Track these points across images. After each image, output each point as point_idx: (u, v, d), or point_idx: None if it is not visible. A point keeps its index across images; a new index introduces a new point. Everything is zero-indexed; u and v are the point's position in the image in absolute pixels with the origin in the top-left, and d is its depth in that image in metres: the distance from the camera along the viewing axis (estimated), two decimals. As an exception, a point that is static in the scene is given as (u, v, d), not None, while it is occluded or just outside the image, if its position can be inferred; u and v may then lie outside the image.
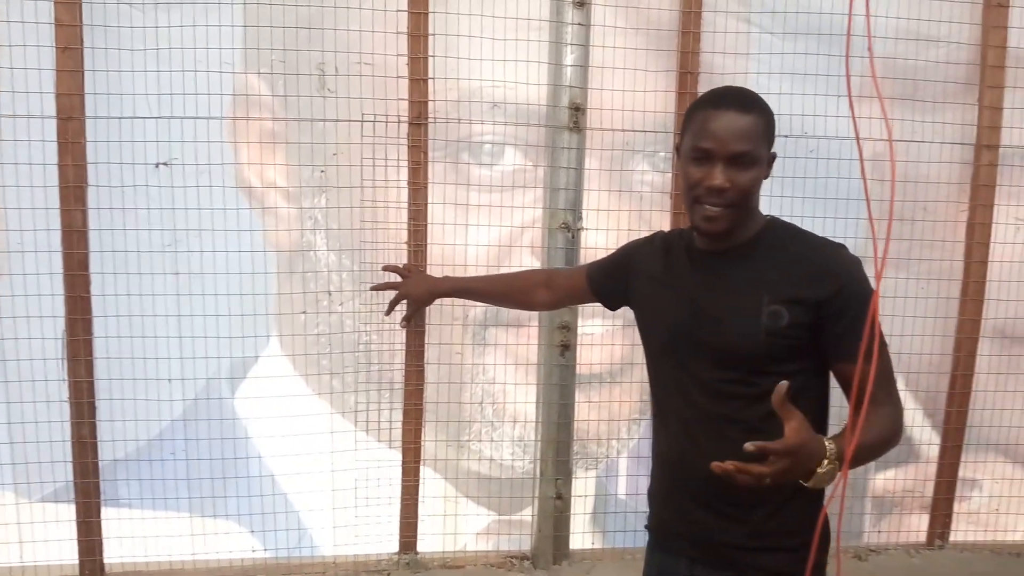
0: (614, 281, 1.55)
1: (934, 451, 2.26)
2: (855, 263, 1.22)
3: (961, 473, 2.26)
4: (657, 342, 1.40)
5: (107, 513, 1.93)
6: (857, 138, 0.97)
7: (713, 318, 1.28)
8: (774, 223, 1.33)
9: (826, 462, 1.13)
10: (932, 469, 2.27)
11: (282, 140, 1.92)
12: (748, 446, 1.08)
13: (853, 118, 0.98)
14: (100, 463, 1.91)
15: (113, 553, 1.95)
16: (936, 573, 2.21)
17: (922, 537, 2.28)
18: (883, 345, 1.20)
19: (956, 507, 2.26)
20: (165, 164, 1.87)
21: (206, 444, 1.95)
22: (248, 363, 1.97)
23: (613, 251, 1.60)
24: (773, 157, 1.31)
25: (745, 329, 1.24)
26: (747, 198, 1.26)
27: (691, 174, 1.26)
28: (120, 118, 1.82)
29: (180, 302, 1.90)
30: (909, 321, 2.18)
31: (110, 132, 1.83)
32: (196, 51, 1.83)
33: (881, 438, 1.22)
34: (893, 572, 2.15)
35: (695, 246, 1.38)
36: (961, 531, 2.29)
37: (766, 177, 1.31)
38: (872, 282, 1.21)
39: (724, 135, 1.22)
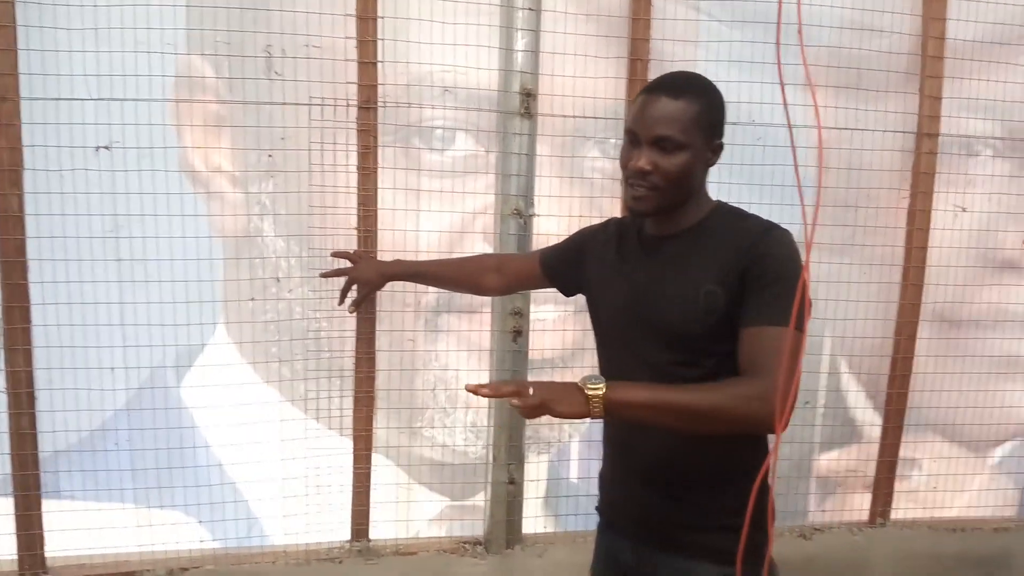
0: (568, 266, 1.56)
1: (876, 432, 2.32)
2: (782, 240, 1.24)
3: (901, 453, 2.33)
4: (606, 326, 1.42)
5: (48, 506, 1.88)
6: (789, 125, 0.99)
7: (658, 301, 1.30)
8: (721, 208, 1.36)
9: (589, 389, 1.14)
10: (874, 449, 2.33)
11: (228, 123, 1.87)
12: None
13: (785, 104, 1.00)
14: (40, 455, 1.85)
15: (55, 546, 1.90)
16: (877, 550, 2.29)
17: (864, 516, 2.34)
18: (800, 323, 1.18)
19: (897, 486, 2.33)
20: (106, 147, 1.82)
21: (151, 434, 1.91)
22: (194, 351, 1.93)
23: (567, 237, 1.62)
24: (718, 146, 1.32)
25: (686, 311, 1.26)
26: (673, 182, 1.27)
27: (622, 156, 1.31)
28: (57, 99, 1.76)
29: (123, 289, 1.86)
30: (852, 306, 2.24)
31: (47, 114, 1.77)
32: (137, 31, 1.78)
33: (696, 403, 1.17)
34: (836, 550, 2.22)
35: (646, 232, 1.40)
36: (901, 509, 2.36)
37: (711, 164, 1.33)
38: (803, 260, 1.22)
39: (648, 120, 1.26)
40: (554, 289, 1.62)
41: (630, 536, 1.40)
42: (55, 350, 1.84)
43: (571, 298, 1.62)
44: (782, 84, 1.00)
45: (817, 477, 2.33)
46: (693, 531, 1.31)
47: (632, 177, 1.27)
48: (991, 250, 2.34)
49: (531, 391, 1.15)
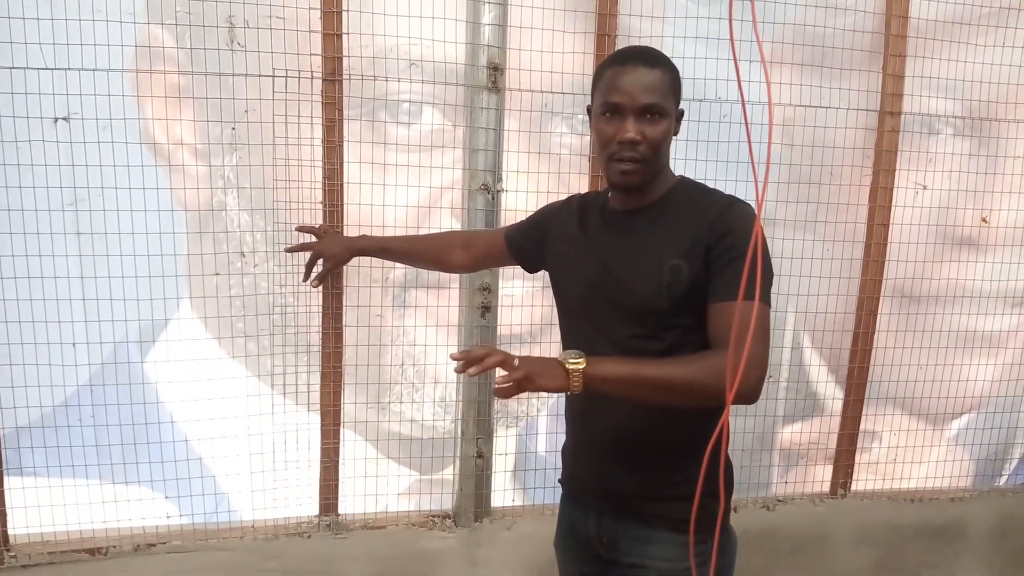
0: (532, 243, 1.57)
1: (837, 405, 2.37)
2: (744, 213, 1.26)
3: (862, 426, 2.38)
4: (570, 302, 1.44)
5: (11, 483, 1.86)
6: (743, 101, 1.00)
7: (622, 276, 1.32)
8: (683, 182, 1.37)
9: (570, 363, 1.18)
10: (835, 422, 2.38)
11: (189, 95, 1.84)
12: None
13: (739, 82, 1.01)
14: (2, 431, 1.83)
15: (19, 524, 1.88)
16: (838, 521, 2.34)
17: (826, 487, 2.40)
18: (766, 297, 1.23)
19: (857, 458, 2.39)
20: (64, 119, 1.78)
21: (115, 409, 1.89)
22: (158, 326, 1.91)
23: (532, 213, 1.62)
24: (681, 113, 1.35)
25: (650, 285, 1.27)
26: (658, 152, 1.29)
27: (604, 131, 1.30)
28: (12, 68, 1.72)
29: (83, 263, 1.83)
30: (815, 281, 2.27)
31: (2, 83, 1.72)
32: (98, -1, 1.74)
33: (671, 377, 1.20)
34: (799, 520, 2.27)
35: (609, 207, 1.41)
36: (862, 480, 2.41)
37: (676, 134, 1.34)
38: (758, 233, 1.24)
39: (633, 89, 1.26)
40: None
41: (592, 507, 1.42)
42: (14, 325, 1.81)
43: (538, 274, 1.63)
44: (735, 59, 1.01)
45: (780, 450, 2.38)
46: (653, 501, 1.34)
47: (621, 150, 1.27)
48: (950, 227, 2.38)
49: (516, 363, 1.18)
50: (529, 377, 1.18)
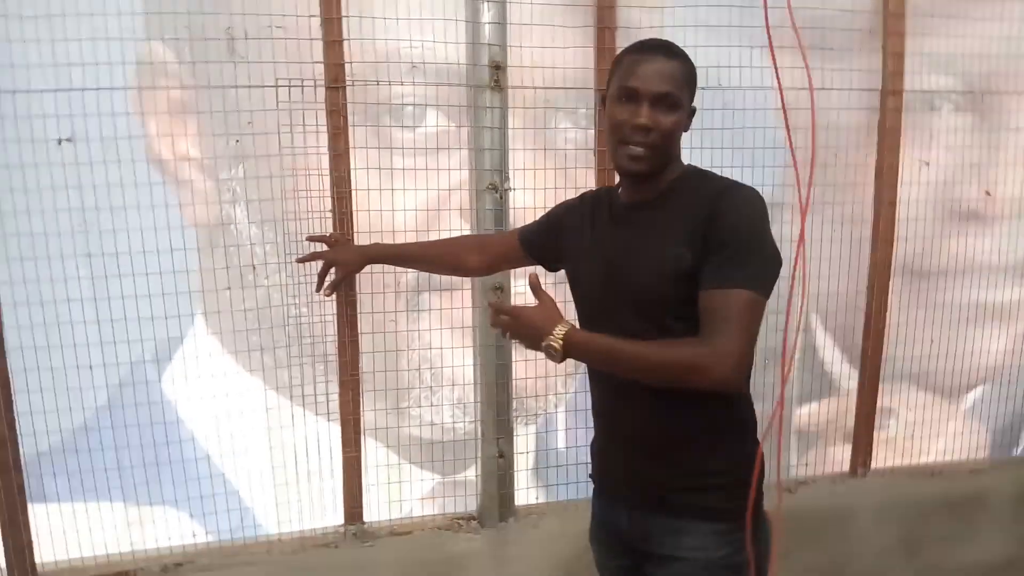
0: (547, 241, 1.58)
1: (851, 385, 2.37)
2: (739, 198, 1.25)
3: (878, 404, 2.38)
4: (585, 298, 1.44)
5: (35, 510, 1.84)
6: (780, 88, 0.99)
7: (626, 268, 1.33)
8: (690, 171, 1.37)
9: (550, 338, 1.24)
10: (851, 402, 2.38)
11: (193, 110, 1.83)
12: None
13: (775, 67, 1.00)
14: (22, 459, 1.82)
15: (45, 551, 1.86)
16: (860, 500, 2.35)
17: (845, 467, 2.40)
18: (749, 287, 1.20)
19: (876, 436, 2.39)
20: (68, 140, 1.77)
21: (135, 430, 1.88)
22: (174, 344, 1.90)
23: (544, 213, 1.63)
24: (693, 111, 1.35)
25: (656, 275, 1.28)
26: (669, 141, 1.30)
27: (617, 114, 1.30)
28: (14, 92, 1.71)
29: (96, 285, 1.81)
30: (825, 263, 2.27)
31: (4, 107, 1.71)
32: (93, 17, 1.72)
33: (651, 355, 1.23)
34: (821, 501, 2.27)
35: (618, 202, 1.41)
36: (881, 458, 2.42)
37: (686, 130, 1.35)
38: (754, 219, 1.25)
39: (650, 76, 1.27)
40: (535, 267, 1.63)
41: (623, 501, 1.42)
42: (29, 351, 1.79)
43: (550, 271, 1.63)
44: (771, 46, 1.01)
45: (799, 432, 2.38)
46: (684, 492, 1.34)
47: (631, 135, 1.27)
48: (955, 201, 2.39)
49: (507, 334, 1.35)
50: (512, 336, 1.34)
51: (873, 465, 2.40)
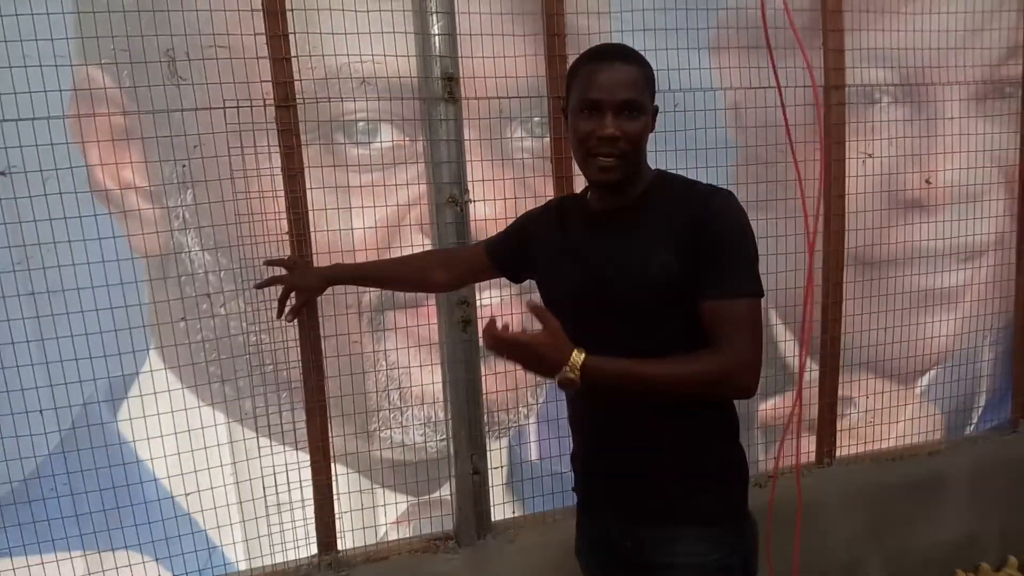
0: (514, 252, 1.56)
1: (811, 376, 2.41)
2: (728, 203, 1.26)
3: (839, 393, 2.43)
4: (560, 307, 1.41)
5: (-14, 567, 1.74)
6: (779, 87, 0.99)
7: (607, 276, 1.31)
8: (663, 176, 1.37)
9: (566, 368, 1.17)
10: (811, 393, 2.42)
11: (135, 135, 1.75)
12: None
13: (774, 67, 1.00)
14: (-31, 514, 1.71)
15: (-2, 610, 1.76)
16: (827, 488, 2.39)
17: (812, 457, 2.44)
18: (751, 293, 1.24)
19: (838, 425, 2.44)
20: (3, 174, 1.67)
21: (92, 475, 1.79)
22: (128, 381, 1.81)
23: (510, 224, 1.61)
24: (656, 110, 1.35)
25: (639, 283, 1.27)
26: (637, 148, 1.30)
27: (581, 128, 1.29)
28: (-59, 125, 1.61)
29: (41, 324, 1.72)
30: (780, 258, 2.30)
31: (-69, 143, 1.61)
32: (23, 43, 1.63)
33: (675, 375, 1.22)
34: (791, 492, 2.30)
35: (590, 208, 1.40)
36: (845, 447, 2.47)
37: (652, 130, 1.34)
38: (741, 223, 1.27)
39: (611, 85, 1.26)
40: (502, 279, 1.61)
41: (611, 512, 1.41)
42: (-29, 399, 1.69)
43: (510, 281, 1.61)
44: (770, 49, 1.00)
45: (764, 426, 2.41)
46: (673, 499, 1.33)
47: (600, 146, 1.26)
48: (897, 192, 2.46)
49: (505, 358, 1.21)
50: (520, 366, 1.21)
51: (838, 454, 2.45)
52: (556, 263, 1.41)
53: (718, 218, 1.24)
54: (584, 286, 1.33)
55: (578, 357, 1.17)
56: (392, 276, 1.74)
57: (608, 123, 1.25)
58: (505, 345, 1.18)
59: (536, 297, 1.45)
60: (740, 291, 1.22)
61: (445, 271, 1.68)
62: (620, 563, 1.40)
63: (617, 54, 1.30)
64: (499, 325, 1.16)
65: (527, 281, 1.65)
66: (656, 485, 1.34)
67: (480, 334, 1.23)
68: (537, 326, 1.19)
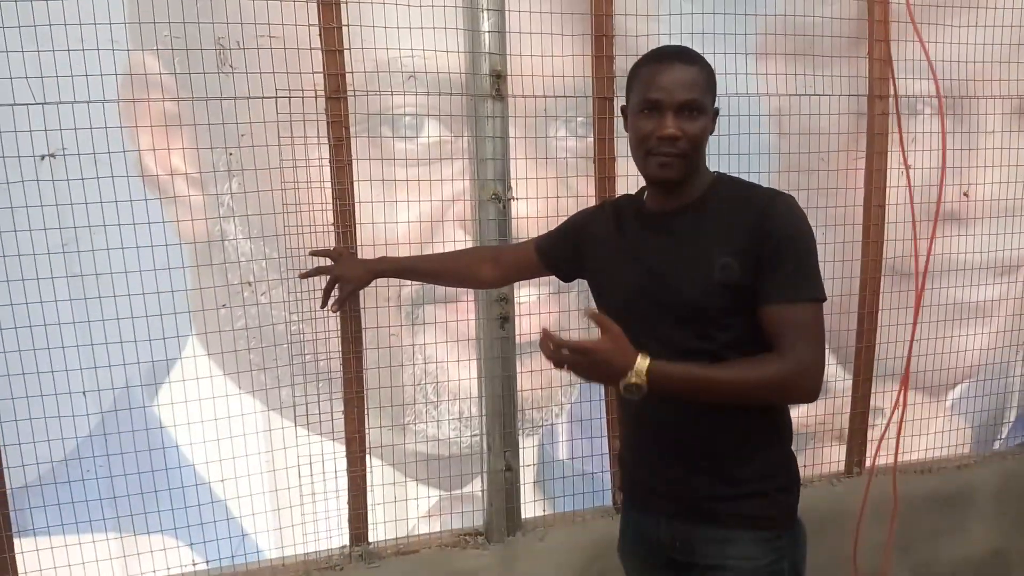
0: (566, 252, 1.55)
1: (840, 385, 2.40)
2: (788, 208, 1.26)
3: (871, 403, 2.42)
4: (616, 307, 1.41)
5: (23, 546, 1.74)
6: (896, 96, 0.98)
7: (668, 277, 1.30)
8: (722, 178, 1.37)
9: (632, 374, 1.17)
10: (841, 402, 2.41)
11: (184, 122, 1.75)
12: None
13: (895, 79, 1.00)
14: (8, 492, 1.72)
15: (32, 589, 1.77)
16: (856, 498, 2.38)
17: (841, 467, 2.43)
18: (815, 298, 1.24)
19: (869, 435, 2.43)
20: (52, 156, 1.68)
21: (128, 458, 1.79)
22: (168, 366, 1.82)
23: (561, 223, 1.61)
24: (717, 111, 1.35)
25: (700, 285, 1.27)
26: (697, 148, 1.30)
27: (641, 127, 1.29)
28: (-5, 106, 1.62)
29: (84, 306, 1.72)
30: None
31: (-16, 122, 1.62)
32: (80, 27, 1.63)
33: (740, 380, 1.22)
34: (819, 501, 2.29)
35: (645, 210, 1.40)
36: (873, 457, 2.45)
37: (711, 132, 1.34)
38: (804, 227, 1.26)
39: (672, 85, 1.26)
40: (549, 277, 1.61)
41: (661, 511, 1.40)
42: (16, 378, 1.69)
43: (548, 279, 1.61)
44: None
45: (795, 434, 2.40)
46: (725, 500, 1.33)
47: (659, 146, 1.26)
48: (935, 203, 2.44)
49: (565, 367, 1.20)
50: (579, 373, 1.21)
51: (867, 464, 2.44)
52: (613, 264, 1.41)
53: (782, 221, 1.24)
54: (643, 288, 1.32)
55: (643, 362, 1.17)
56: (440, 271, 1.74)
57: (668, 123, 1.26)
58: (562, 348, 1.17)
59: (577, 298, 1.45)
60: (804, 296, 1.22)
61: (493, 268, 1.68)
62: (667, 562, 1.39)
63: (678, 55, 1.30)
64: (554, 334, 1.16)
65: (574, 281, 1.65)
66: (709, 485, 1.33)
67: (538, 343, 1.22)
68: (593, 333, 1.19)
